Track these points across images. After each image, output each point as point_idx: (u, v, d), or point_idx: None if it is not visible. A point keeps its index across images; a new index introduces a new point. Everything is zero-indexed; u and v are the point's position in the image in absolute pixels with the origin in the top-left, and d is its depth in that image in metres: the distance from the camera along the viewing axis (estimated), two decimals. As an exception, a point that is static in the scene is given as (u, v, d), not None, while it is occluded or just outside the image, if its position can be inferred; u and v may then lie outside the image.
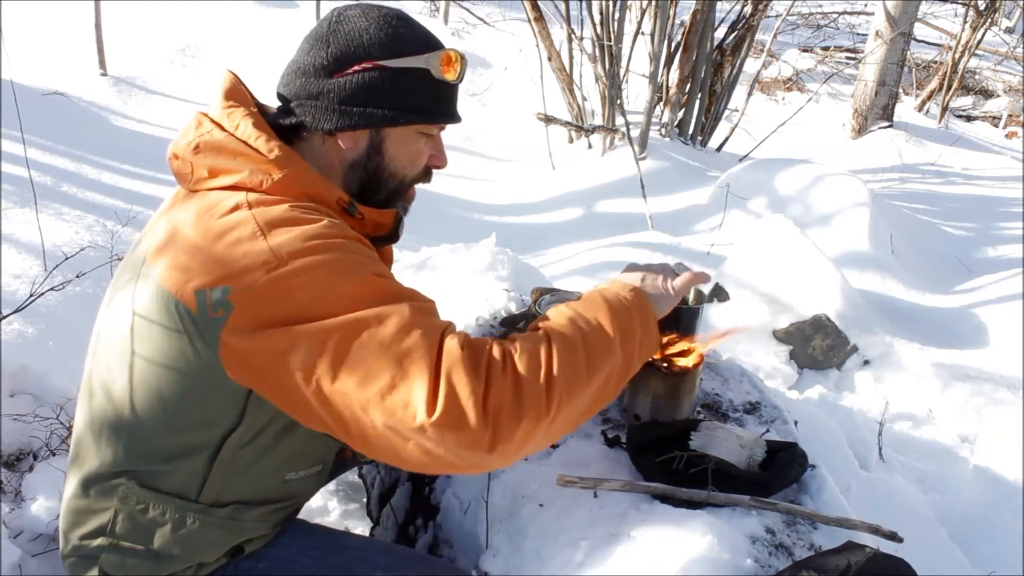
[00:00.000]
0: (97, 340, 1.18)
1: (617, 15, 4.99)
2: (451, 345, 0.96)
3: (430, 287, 2.31)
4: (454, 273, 2.44)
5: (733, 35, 5.60)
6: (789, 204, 4.23)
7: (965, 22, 7.08)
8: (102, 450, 1.13)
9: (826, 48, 9.09)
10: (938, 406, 2.88)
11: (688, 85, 5.51)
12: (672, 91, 5.54)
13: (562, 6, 5.21)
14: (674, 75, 5.51)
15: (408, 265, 2.69)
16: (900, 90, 7.03)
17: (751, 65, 7.04)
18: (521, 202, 4.95)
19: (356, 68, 1.12)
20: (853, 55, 8.54)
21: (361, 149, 1.17)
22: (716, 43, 5.54)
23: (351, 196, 1.17)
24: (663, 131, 5.62)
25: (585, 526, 1.29)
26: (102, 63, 5.26)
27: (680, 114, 5.64)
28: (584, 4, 5.06)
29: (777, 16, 6.77)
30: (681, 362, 1.42)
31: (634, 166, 4.70)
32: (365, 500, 2.03)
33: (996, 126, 7.82)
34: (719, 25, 5.60)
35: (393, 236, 1.26)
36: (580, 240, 4.29)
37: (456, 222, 4.42)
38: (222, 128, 1.12)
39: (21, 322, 2.24)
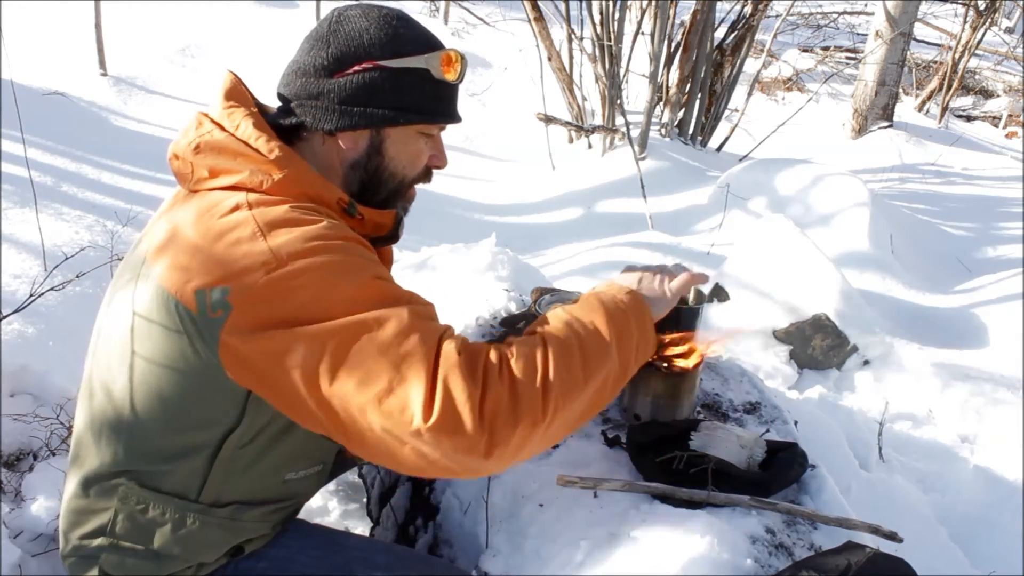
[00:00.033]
0: (97, 340, 1.18)
1: (617, 15, 4.99)
2: (448, 349, 0.96)
3: (430, 287, 2.32)
4: (454, 273, 2.44)
5: (733, 35, 5.60)
6: (789, 204, 4.23)
7: (965, 22, 7.08)
8: (102, 450, 1.13)
9: (826, 48, 9.09)
10: (938, 406, 2.88)
11: (688, 85, 5.51)
12: (672, 91, 5.54)
13: (562, 6, 5.21)
14: (674, 75, 5.51)
15: (408, 265, 2.69)
16: (900, 90, 7.03)
17: (751, 65, 7.04)
18: (521, 202, 4.95)
19: (356, 68, 1.12)
20: (853, 55, 8.54)
21: (361, 149, 1.17)
22: (716, 43, 5.55)
23: (351, 196, 1.17)
24: (663, 131, 5.62)
25: (585, 526, 1.29)
26: (102, 63, 5.26)
27: (680, 114, 5.65)
28: (584, 4, 5.06)
29: (777, 16, 6.77)
30: (681, 362, 1.42)
31: (634, 166, 4.70)
32: (365, 500, 2.03)
33: (996, 126, 7.82)
34: (719, 25, 5.60)
35: (393, 236, 1.26)
36: (580, 240, 4.29)
37: (456, 222, 4.42)
38: (222, 128, 1.12)
39: (21, 322, 2.24)
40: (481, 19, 8.31)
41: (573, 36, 5.30)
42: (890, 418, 2.71)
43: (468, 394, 0.93)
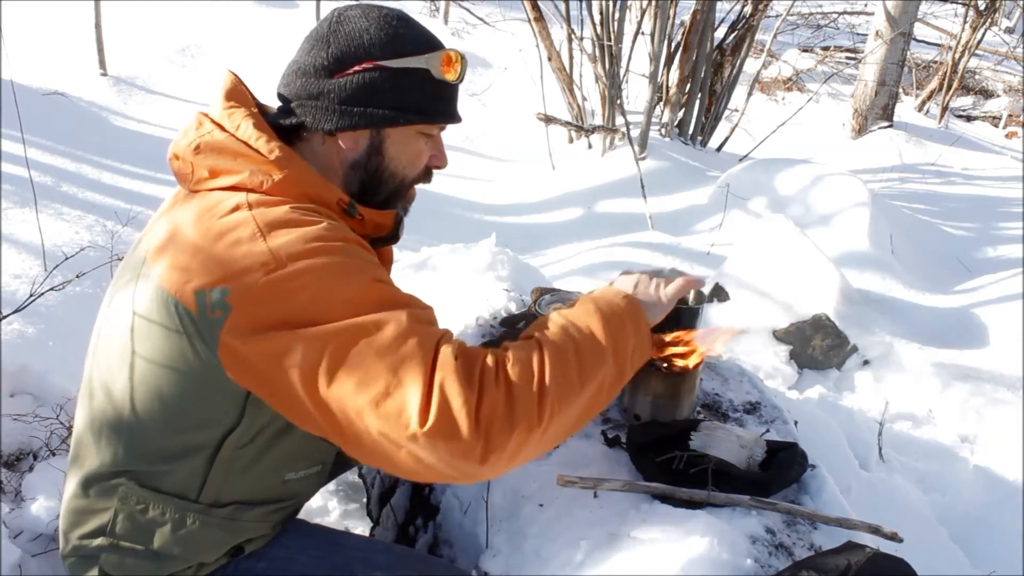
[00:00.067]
0: (97, 340, 1.18)
1: (617, 15, 4.99)
2: (446, 354, 0.96)
3: (430, 287, 2.33)
4: (454, 273, 2.44)
5: (733, 35, 5.60)
6: (789, 204, 4.23)
7: (965, 22, 7.08)
8: (102, 450, 1.13)
9: (826, 48, 9.09)
10: (938, 406, 2.88)
11: (688, 85, 5.52)
12: (672, 91, 5.54)
13: (562, 6, 5.21)
14: (674, 75, 5.51)
15: (408, 265, 2.69)
16: (900, 90, 7.03)
17: (751, 65, 7.04)
18: (521, 202, 4.95)
19: (356, 68, 1.12)
20: (853, 55, 8.54)
21: (361, 149, 1.17)
22: (716, 43, 5.55)
23: (351, 197, 1.17)
24: (663, 131, 5.62)
25: (585, 526, 1.29)
26: (102, 63, 5.26)
27: (680, 114, 5.65)
28: (584, 4, 5.07)
29: (777, 16, 6.77)
30: (681, 362, 1.41)
31: (634, 166, 4.70)
32: (365, 500, 2.03)
33: (996, 126, 7.82)
34: (719, 25, 5.60)
35: (393, 237, 1.26)
36: (580, 240, 4.29)
37: (456, 222, 4.42)
38: (223, 129, 1.12)
39: (21, 322, 2.24)
40: (481, 19, 8.31)
41: (573, 36, 5.30)
42: (890, 418, 2.71)
43: (464, 399, 0.93)
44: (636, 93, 6.24)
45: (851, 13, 9.76)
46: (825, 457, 1.63)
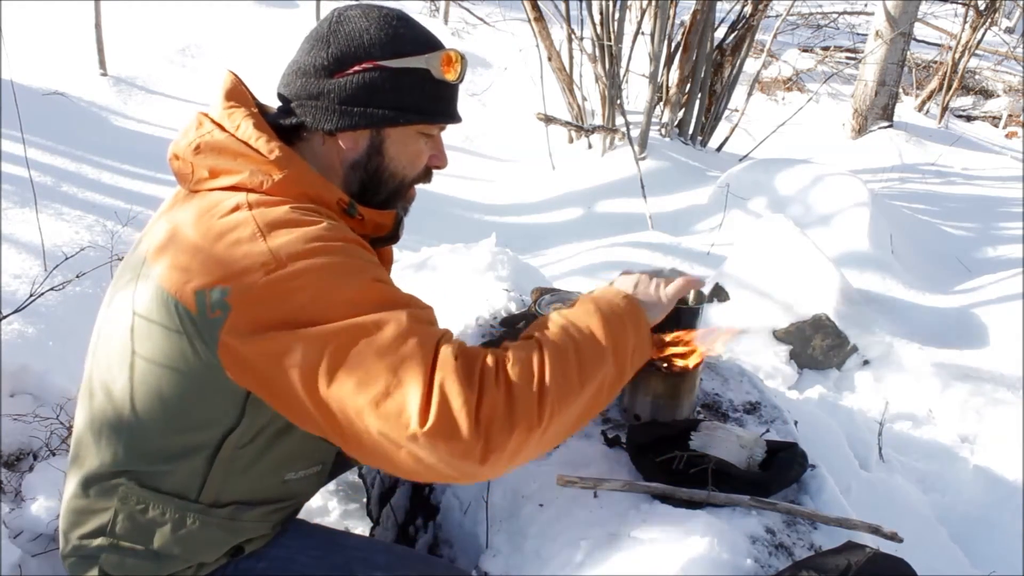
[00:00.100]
0: (97, 340, 1.18)
1: (617, 15, 4.99)
2: (446, 354, 0.96)
3: (430, 287, 2.33)
4: (454, 273, 2.44)
5: (733, 35, 5.60)
6: (789, 204, 4.23)
7: (965, 22, 7.08)
8: (102, 450, 1.13)
9: (826, 48, 9.09)
10: (938, 406, 2.88)
11: (688, 85, 5.52)
12: (672, 91, 5.54)
13: (562, 6, 5.21)
14: (674, 75, 5.51)
15: (408, 265, 2.69)
16: (900, 90, 7.03)
17: (751, 65, 7.04)
18: (521, 202, 4.95)
19: (356, 68, 1.12)
20: (853, 55, 8.55)
21: (361, 149, 1.17)
22: (716, 43, 5.55)
23: (351, 197, 1.17)
24: (663, 131, 5.62)
25: (585, 526, 1.29)
26: (102, 63, 5.26)
27: (680, 114, 5.65)
28: (584, 4, 5.07)
29: (777, 16, 6.77)
30: (681, 362, 1.41)
31: (634, 166, 4.70)
32: (365, 500, 2.03)
33: (996, 126, 7.82)
34: (719, 25, 5.60)
35: (393, 237, 1.26)
36: (580, 240, 4.29)
37: (456, 222, 4.42)
38: (223, 129, 1.12)
39: (21, 322, 2.24)
40: (481, 19, 8.31)
41: (573, 36, 5.30)
42: (890, 418, 2.71)
43: (464, 399, 0.93)
44: (636, 93, 6.24)
45: (851, 13, 9.76)
46: (825, 457, 1.63)
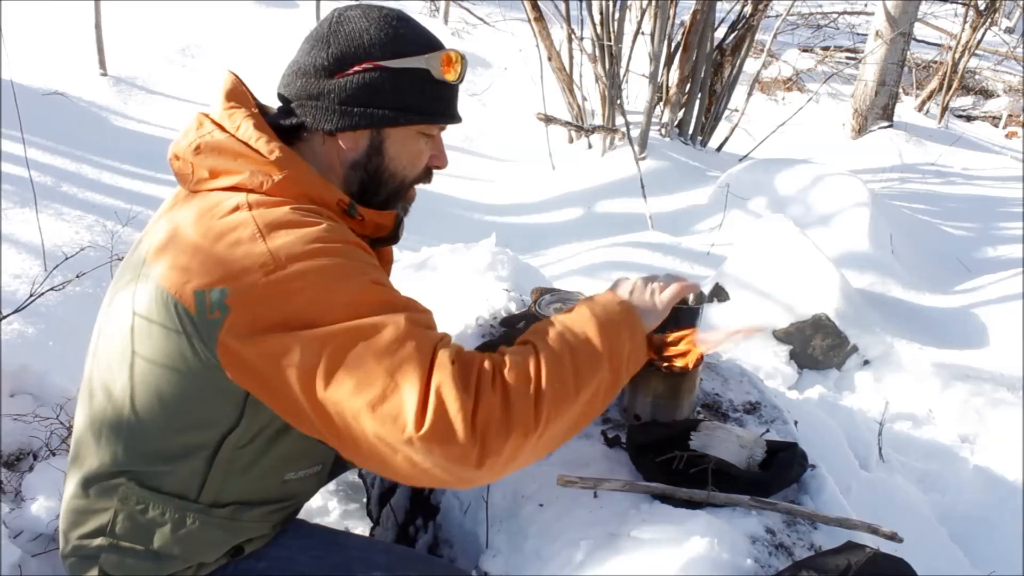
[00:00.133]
0: (97, 340, 1.18)
1: (617, 15, 4.99)
2: (443, 358, 0.96)
3: (430, 287, 2.33)
4: (454, 273, 2.44)
5: (733, 35, 5.60)
6: (789, 204, 4.23)
7: (965, 22, 7.08)
8: (102, 450, 1.13)
9: (826, 48, 9.10)
10: (938, 406, 2.88)
11: (688, 85, 5.52)
12: (672, 91, 5.54)
13: (562, 6, 5.21)
14: (674, 75, 5.51)
15: (408, 265, 2.69)
16: (900, 90, 7.03)
17: (751, 65, 7.04)
18: (521, 202, 4.95)
19: (356, 68, 1.12)
20: (853, 55, 8.54)
21: (361, 149, 1.17)
22: (716, 43, 5.55)
23: (351, 197, 1.17)
24: (663, 131, 5.62)
25: (585, 526, 1.29)
26: (102, 63, 5.26)
27: (680, 114, 5.65)
28: (584, 4, 5.07)
29: (777, 16, 6.77)
30: (681, 362, 1.41)
31: (634, 166, 4.70)
32: (365, 500, 2.03)
33: (996, 126, 7.82)
34: (719, 25, 5.60)
35: (393, 237, 1.26)
36: (580, 240, 4.29)
37: (456, 222, 4.42)
38: (223, 129, 1.12)
39: (21, 322, 2.24)
40: (481, 19, 8.31)
41: (573, 36, 5.30)
42: (890, 418, 2.71)
43: (460, 403, 0.93)
44: (636, 93, 6.24)
45: (851, 13, 9.76)
46: (825, 457, 1.63)
